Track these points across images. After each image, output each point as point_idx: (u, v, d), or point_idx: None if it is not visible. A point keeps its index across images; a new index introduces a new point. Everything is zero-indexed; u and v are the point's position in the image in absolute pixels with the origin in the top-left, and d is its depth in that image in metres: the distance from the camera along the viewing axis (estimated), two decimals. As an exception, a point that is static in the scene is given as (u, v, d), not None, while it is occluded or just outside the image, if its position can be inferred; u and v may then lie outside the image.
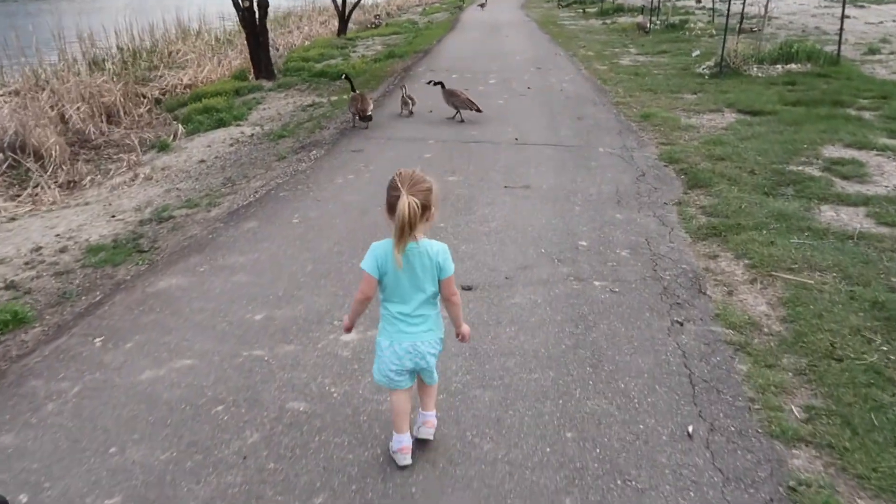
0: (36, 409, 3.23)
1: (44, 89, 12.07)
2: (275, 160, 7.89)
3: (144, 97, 13.25)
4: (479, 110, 9.17)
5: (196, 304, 4.24)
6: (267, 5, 13.86)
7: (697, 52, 14.46)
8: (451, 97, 9.26)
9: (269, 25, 14.63)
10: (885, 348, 3.60)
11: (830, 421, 3.06)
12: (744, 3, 15.41)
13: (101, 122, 11.28)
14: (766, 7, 15.79)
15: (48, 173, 8.48)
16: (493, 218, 5.63)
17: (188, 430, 3.04)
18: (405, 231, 2.48)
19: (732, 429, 3.02)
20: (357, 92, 9.36)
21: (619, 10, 27.93)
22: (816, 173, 6.53)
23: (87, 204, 7.18)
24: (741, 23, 15.47)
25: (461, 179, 6.69)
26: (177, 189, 7.21)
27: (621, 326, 3.89)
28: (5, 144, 8.94)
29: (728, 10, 13.27)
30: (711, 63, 12.62)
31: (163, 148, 9.26)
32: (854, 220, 5.44)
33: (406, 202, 2.45)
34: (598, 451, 2.89)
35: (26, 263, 5.32)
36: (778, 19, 20.57)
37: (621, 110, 9.80)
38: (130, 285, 4.62)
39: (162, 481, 2.75)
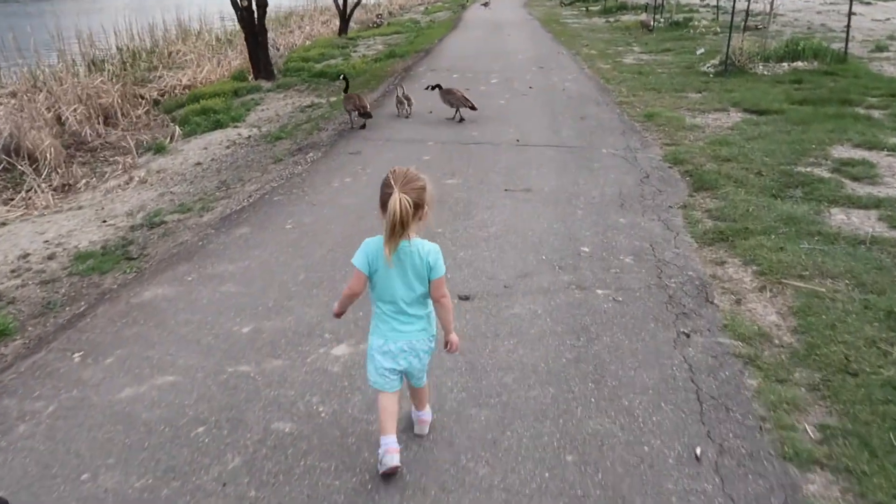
0: (6, 432, 3.06)
1: (41, 91, 11.96)
2: (271, 163, 7.73)
3: (143, 98, 13.13)
4: (473, 108, 9.05)
5: (182, 316, 4.07)
6: (266, 5, 13.70)
7: (702, 51, 14.24)
8: (448, 95, 9.20)
9: (269, 25, 14.47)
10: (902, 362, 3.42)
11: (847, 442, 2.89)
12: (749, 0, 15.19)
13: (98, 123, 11.15)
14: (771, 4, 15.58)
15: (42, 177, 8.35)
16: (493, 222, 5.46)
17: (166, 454, 2.87)
18: (396, 229, 2.44)
19: (743, 451, 2.85)
20: (352, 93, 9.22)
21: (623, 7, 27.75)
22: (826, 174, 6.34)
23: (80, 208, 7.03)
24: (746, 20, 15.27)
25: (460, 182, 6.52)
26: (171, 193, 7.05)
27: (625, 338, 3.72)
28: (-1, 147, 8.82)
29: (733, 7, 13.09)
30: (716, 61, 12.41)
31: (159, 150, 9.11)
32: (866, 223, 5.25)
33: (398, 199, 2.41)
34: (599, 476, 2.72)
35: (12, 271, 5.18)
36: (783, 16, 20.35)
37: (624, 110, 9.61)
38: (115, 295, 4.45)
39: (136, 510, 2.59)
